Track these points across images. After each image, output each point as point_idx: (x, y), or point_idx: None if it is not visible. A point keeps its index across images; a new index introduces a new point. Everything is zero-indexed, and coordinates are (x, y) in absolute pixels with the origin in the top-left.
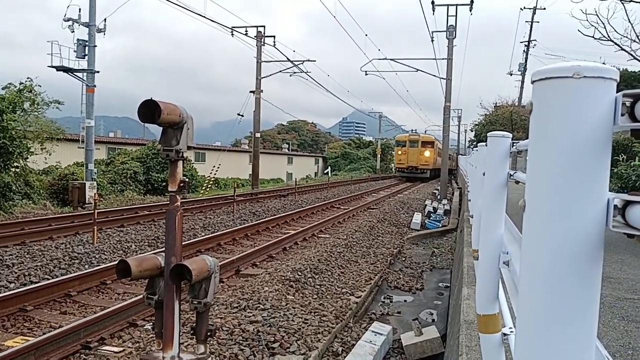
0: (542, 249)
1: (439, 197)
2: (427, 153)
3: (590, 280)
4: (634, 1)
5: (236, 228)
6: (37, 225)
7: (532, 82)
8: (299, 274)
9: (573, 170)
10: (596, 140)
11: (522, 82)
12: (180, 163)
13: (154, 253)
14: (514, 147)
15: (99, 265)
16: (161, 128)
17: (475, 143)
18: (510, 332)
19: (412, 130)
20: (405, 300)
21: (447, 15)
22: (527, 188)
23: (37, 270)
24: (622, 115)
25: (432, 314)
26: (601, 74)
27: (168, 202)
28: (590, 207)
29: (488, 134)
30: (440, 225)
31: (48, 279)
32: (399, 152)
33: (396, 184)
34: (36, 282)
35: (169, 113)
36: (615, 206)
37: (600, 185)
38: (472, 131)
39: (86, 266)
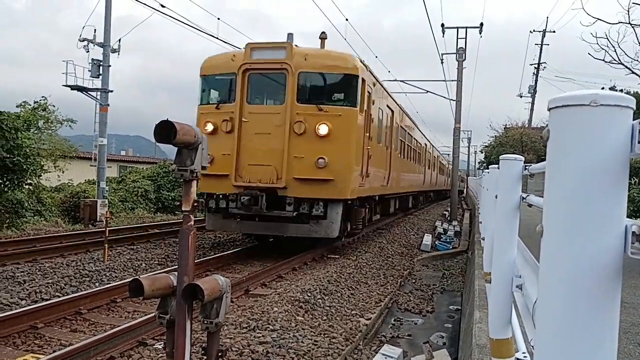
0: (560, 275)
1: (449, 218)
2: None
3: (608, 307)
4: None
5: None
6: (48, 243)
7: (549, 109)
8: (309, 294)
9: (590, 197)
10: (613, 167)
11: (532, 104)
12: (194, 183)
13: (166, 272)
14: (527, 170)
15: (110, 283)
16: (176, 148)
17: (485, 164)
18: (524, 357)
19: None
20: (415, 323)
21: (457, 38)
22: (545, 214)
23: (48, 288)
24: (639, 142)
25: (442, 337)
26: (618, 102)
27: (179, 221)
28: (608, 234)
29: (500, 157)
30: (451, 247)
31: (59, 296)
32: (205, 126)
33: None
34: (47, 299)
35: (184, 134)
36: (633, 232)
37: (617, 211)
38: (482, 152)
39: (97, 284)
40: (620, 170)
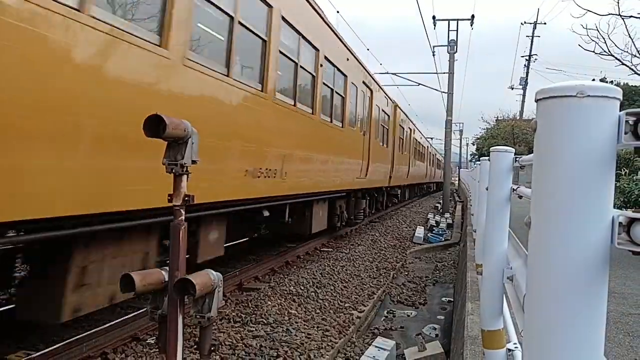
0: (548, 265)
1: (441, 210)
2: None
3: (596, 297)
4: (634, 17)
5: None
6: None
7: (536, 100)
8: (302, 288)
9: (577, 188)
10: (600, 158)
11: (524, 96)
12: (184, 177)
13: (159, 267)
14: (517, 161)
15: None
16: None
17: (477, 157)
18: (515, 347)
19: None
20: (408, 315)
21: (449, 30)
22: (532, 205)
23: None
24: (626, 133)
25: (435, 328)
26: (605, 93)
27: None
28: (595, 225)
29: (491, 149)
30: (443, 239)
31: None
32: None
33: None
34: None
35: (174, 128)
36: (620, 223)
37: (604, 202)
38: (473, 145)
39: None
40: (607, 161)
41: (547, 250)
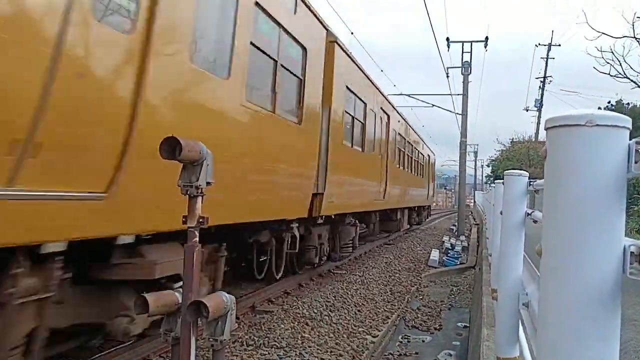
0: (559, 295)
1: (456, 233)
2: None
3: (608, 328)
4: None
5: None
6: None
7: (546, 129)
8: (315, 311)
9: (588, 218)
10: (610, 187)
11: (539, 117)
12: (199, 199)
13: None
14: (531, 185)
15: None
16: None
17: (492, 178)
18: None
19: None
20: (423, 340)
21: (462, 52)
22: (544, 234)
23: None
24: (636, 162)
25: (451, 355)
26: (614, 122)
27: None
28: (606, 254)
29: (504, 173)
30: (459, 263)
31: None
32: None
33: None
34: None
35: (189, 150)
36: (632, 253)
37: (615, 232)
38: (488, 166)
39: None
40: (617, 190)
41: (558, 280)
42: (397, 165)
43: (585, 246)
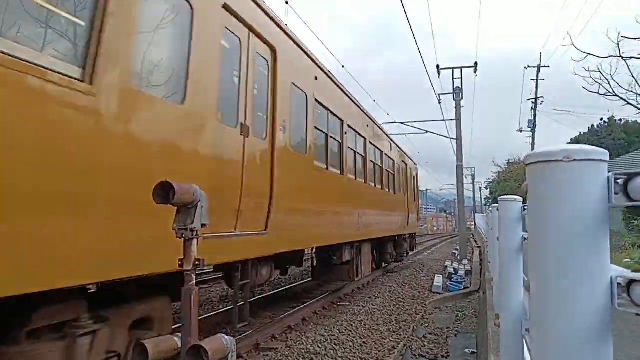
0: (549, 329)
1: (458, 257)
2: None
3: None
4: (634, 57)
5: None
6: None
7: (526, 165)
8: (319, 346)
9: (571, 251)
10: (592, 219)
11: (533, 138)
12: (194, 242)
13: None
14: (525, 210)
15: None
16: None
17: (491, 200)
18: None
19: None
20: None
21: (453, 78)
22: (530, 269)
23: None
24: (617, 194)
25: None
26: (590, 156)
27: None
28: (593, 286)
29: (498, 198)
30: (462, 287)
31: None
32: None
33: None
34: None
35: (183, 193)
36: (619, 284)
37: (601, 263)
38: (487, 189)
39: None
40: (599, 221)
41: (547, 314)
42: (338, 171)
43: (571, 279)
